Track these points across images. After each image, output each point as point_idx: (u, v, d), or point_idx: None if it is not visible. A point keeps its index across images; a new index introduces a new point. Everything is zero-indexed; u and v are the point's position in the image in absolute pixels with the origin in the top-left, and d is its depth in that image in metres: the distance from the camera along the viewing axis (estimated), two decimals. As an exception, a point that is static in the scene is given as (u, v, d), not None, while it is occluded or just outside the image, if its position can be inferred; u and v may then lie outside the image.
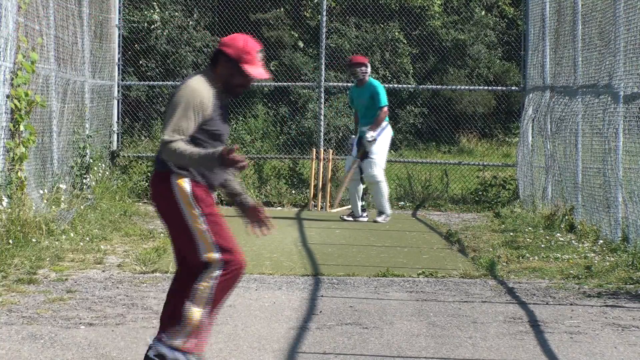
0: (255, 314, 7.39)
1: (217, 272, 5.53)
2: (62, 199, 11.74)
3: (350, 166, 13.51)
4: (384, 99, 13.31)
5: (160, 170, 5.55)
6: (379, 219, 13.35)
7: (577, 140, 12.20)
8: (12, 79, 10.61)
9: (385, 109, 13.32)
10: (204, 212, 5.56)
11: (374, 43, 20.28)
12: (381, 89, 13.36)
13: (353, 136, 13.72)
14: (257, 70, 5.54)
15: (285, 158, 16.39)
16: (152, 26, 18.96)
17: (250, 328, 6.93)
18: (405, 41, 20.41)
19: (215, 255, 5.55)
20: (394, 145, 19.29)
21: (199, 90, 5.45)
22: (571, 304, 8.02)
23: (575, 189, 12.18)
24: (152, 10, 19.05)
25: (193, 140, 5.45)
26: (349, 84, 17.83)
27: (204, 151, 5.39)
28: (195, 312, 5.54)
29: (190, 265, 5.59)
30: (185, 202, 5.53)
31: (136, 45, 18.82)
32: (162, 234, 11.47)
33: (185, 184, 5.51)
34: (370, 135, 13.18)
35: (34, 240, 9.91)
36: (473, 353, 6.40)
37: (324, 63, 16.00)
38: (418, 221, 13.80)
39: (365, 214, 13.54)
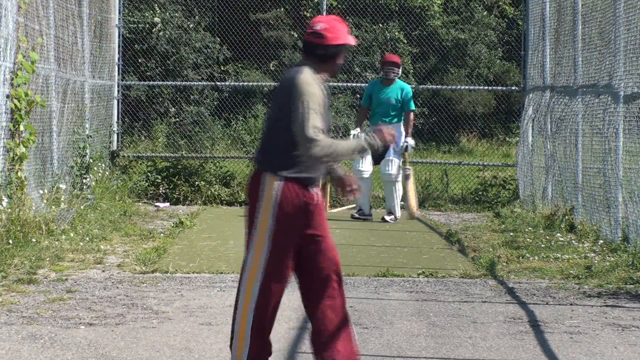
0: (255, 314, 7.38)
1: (251, 295, 5.33)
2: (62, 199, 11.74)
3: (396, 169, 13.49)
4: (412, 103, 13.50)
5: (259, 168, 5.34)
6: (388, 217, 13.40)
7: (577, 140, 12.20)
8: (12, 79, 10.61)
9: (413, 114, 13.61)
10: (277, 226, 5.31)
11: (373, 43, 20.27)
12: (411, 93, 13.52)
13: (358, 131, 13.57)
14: (351, 39, 5.44)
15: (285, 158, 16.37)
16: (154, 28, 18.96)
17: (250, 328, 6.91)
18: (405, 41, 20.41)
19: (257, 278, 5.33)
20: (393, 145, 19.34)
21: (317, 84, 5.31)
22: (571, 304, 8.02)
23: (575, 189, 12.18)
24: (152, 12, 19.04)
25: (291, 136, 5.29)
26: (348, 84, 17.83)
27: (353, 142, 5.31)
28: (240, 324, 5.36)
29: (243, 268, 5.44)
30: (265, 206, 5.30)
31: (136, 45, 18.81)
32: (162, 234, 11.47)
33: (275, 186, 5.28)
34: (412, 142, 13.37)
35: (33, 240, 9.90)
36: (473, 353, 6.40)
37: (324, 63, 15.97)
38: (418, 221, 13.80)
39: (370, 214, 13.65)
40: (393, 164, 13.30)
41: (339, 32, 5.40)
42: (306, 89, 5.24)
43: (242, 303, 5.33)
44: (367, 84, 14.38)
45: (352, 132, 13.66)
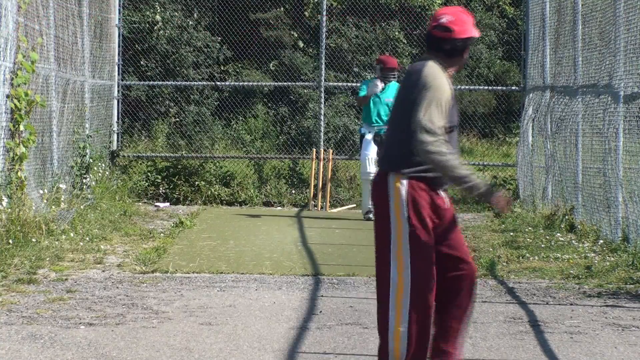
0: (255, 314, 7.39)
1: (402, 298, 5.01)
2: (62, 199, 11.73)
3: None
4: None
5: (383, 169, 5.13)
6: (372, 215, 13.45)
7: (577, 140, 12.20)
8: (12, 79, 10.61)
9: None
10: (413, 224, 5.03)
11: (373, 43, 20.27)
12: None
13: (370, 133, 13.58)
14: (476, 32, 5.19)
15: (285, 158, 16.39)
16: (155, 27, 18.95)
17: (250, 328, 6.92)
18: (405, 41, 20.40)
19: (404, 278, 4.99)
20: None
21: (443, 78, 5.03)
22: (571, 304, 8.01)
23: (576, 189, 12.17)
24: (152, 10, 19.04)
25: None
26: (348, 84, 17.82)
27: (464, 172, 4.96)
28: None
29: (377, 272, 5.17)
30: (396, 207, 5.03)
31: (136, 45, 18.81)
32: (162, 234, 11.47)
33: (402, 186, 5.03)
34: None
35: (33, 240, 9.90)
36: (473, 353, 6.39)
37: (324, 63, 15.99)
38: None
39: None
40: (372, 163, 13.27)
41: (465, 24, 5.13)
42: (431, 82, 4.98)
43: (394, 316, 5.01)
44: (364, 81, 14.34)
45: (368, 135, 13.53)
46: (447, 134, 5.00)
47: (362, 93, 13.58)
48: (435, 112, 4.93)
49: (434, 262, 5.05)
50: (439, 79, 5.00)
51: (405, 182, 5.01)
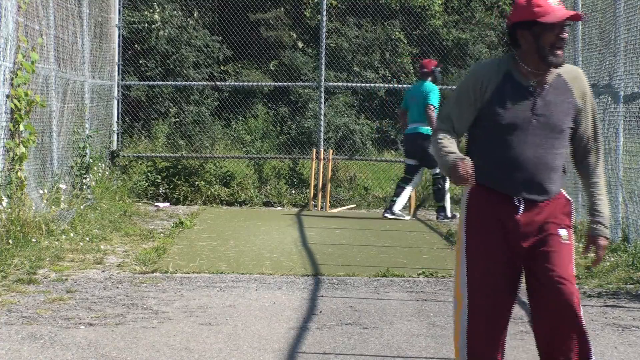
0: (255, 314, 7.39)
1: (460, 315, 4.61)
2: (62, 199, 11.74)
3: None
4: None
5: None
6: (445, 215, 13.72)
7: (577, 140, 12.19)
8: (12, 79, 10.61)
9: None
10: (469, 238, 4.60)
11: (374, 43, 20.27)
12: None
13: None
14: (558, 14, 4.46)
15: (285, 158, 16.39)
16: (153, 26, 18.96)
17: (250, 328, 6.92)
18: (405, 41, 20.40)
19: (462, 294, 4.59)
20: (394, 145, 19.31)
21: (475, 71, 4.62)
22: (571, 304, 8.01)
23: (576, 189, 12.17)
24: (151, 10, 19.04)
25: (471, 133, 4.69)
26: (348, 84, 17.82)
27: (445, 149, 4.54)
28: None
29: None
30: (460, 218, 4.68)
31: (136, 45, 18.81)
32: (162, 234, 11.47)
33: (466, 191, 4.64)
34: None
35: (33, 240, 9.90)
36: (473, 353, 6.39)
37: (324, 63, 15.99)
38: (418, 221, 13.80)
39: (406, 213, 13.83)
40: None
41: (520, 7, 4.53)
42: (465, 77, 4.66)
43: (453, 324, 4.68)
44: (434, 86, 14.19)
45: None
46: (499, 133, 4.55)
47: (436, 101, 13.69)
48: (447, 108, 4.68)
49: (493, 282, 4.54)
50: (471, 77, 4.61)
51: (468, 189, 4.65)
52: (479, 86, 4.57)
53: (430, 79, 13.80)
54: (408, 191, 13.73)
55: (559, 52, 4.51)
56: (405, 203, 13.95)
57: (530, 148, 4.55)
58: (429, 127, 13.41)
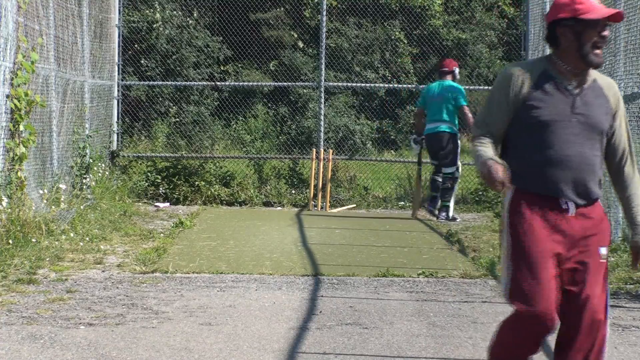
0: (255, 314, 7.38)
1: (509, 317, 4.50)
2: (62, 199, 11.74)
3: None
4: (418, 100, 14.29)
5: None
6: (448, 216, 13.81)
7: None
8: (12, 79, 10.61)
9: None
10: (514, 236, 4.46)
11: (374, 43, 20.27)
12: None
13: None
14: (601, 11, 4.42)
15: (285, 158, 16.39)
16: (154, 25, 18.96)
17: (250, 328, 6.92)
18: (405, 41, 20.41)
19: (508, 297, 4.46)
20: (394, 145, 19.31)
21: (507, 73, 4.51)
22: (571, 304, 8.01)
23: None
24: (152, 10, 19.05)
25: (508, 138, 4.54)
26: (348, 84, 17.83)
27: (481, 153, 4.40)
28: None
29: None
30: (504, 217, 4.55)
31: (136, 45, 18.81)
32: (162, 234, 11.47)
33: (507, 198, 4.52)
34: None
35: (33, 240, 9.90)
36: (473, 353, 6.39)
37: (324, 63, 16.00)
38: (418, 221, 13.80)
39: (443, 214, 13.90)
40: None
41: (555, 6, 4.46)
42: (497, 80, 4.54)
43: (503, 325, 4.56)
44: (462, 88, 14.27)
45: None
46: (538, 132, 4.44)
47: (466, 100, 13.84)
48: (485, 111, 4.56)
49: (539, 288, 4.39)
50: (509, 77, 4.49)
51: (510, 192, 4.53)
52: (512, 87, 4.47)
53: (449, 77, 13.85)
54: (456, 189, 13.85)
55: (598, 51, 4.45)
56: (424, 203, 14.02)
57: (573, 146, 4.46)
58: (451, 126, 13.53)
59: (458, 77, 14.07)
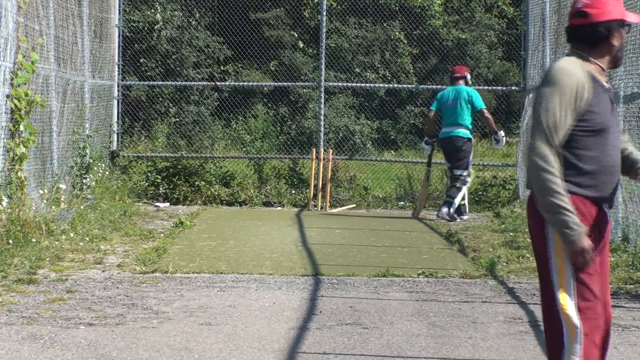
0: (255, 314, 7.39)
1: (570, 322, 4.38)
2: (62, 199, 11.74)
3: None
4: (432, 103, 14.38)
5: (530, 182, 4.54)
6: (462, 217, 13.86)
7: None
8: (12, 79, 10.61)
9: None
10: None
11: (374, 43, 20.27)
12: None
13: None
14: (636, 16, 4.43)
15: (285, 158, 16.39)
16: (156, 26, 18.96)
17: (250, 328, 6.92)
18: (405, 41, 20.40)
19: (567, 300, 4.38)
20: (394, 145, 19.31)
21: (575, 75, 4.32)
22: (571, 304, 8.00)
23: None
24: (152, 10, 19.05)
25: (568, 141, 4.34)
26: (348, 84, 17.82)
27: (561, 200, 4.27)
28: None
29: (542, 293, 4.55)
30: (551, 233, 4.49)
31: (136, 45, 18.81)
32: (162, 234, 11.47)
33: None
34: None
35: (33, 240, 9.90)
36: (473, 353, 6.39)
37: (324, 63, 15.99)
38: (418, 221, 13.80)
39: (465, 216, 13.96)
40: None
41: (605, 5, 4.36)
42: (557, 77, 4.29)
43: (568, 340, 4.38)
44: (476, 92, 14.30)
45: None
46: (595, 137, 4.35)
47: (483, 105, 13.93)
48: (552, 113, 4.29)
49: (596, 280, 4.42)
50: (568, 75, 4.30)
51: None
52: (578, 90, 4.30)
53: (462, 82, 13.92)
54: (463, 191, 13.83)
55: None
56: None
57: (616, 152, 4.43)
58: (466, 131, 13.61)
59: (470, 82, 14.13)
